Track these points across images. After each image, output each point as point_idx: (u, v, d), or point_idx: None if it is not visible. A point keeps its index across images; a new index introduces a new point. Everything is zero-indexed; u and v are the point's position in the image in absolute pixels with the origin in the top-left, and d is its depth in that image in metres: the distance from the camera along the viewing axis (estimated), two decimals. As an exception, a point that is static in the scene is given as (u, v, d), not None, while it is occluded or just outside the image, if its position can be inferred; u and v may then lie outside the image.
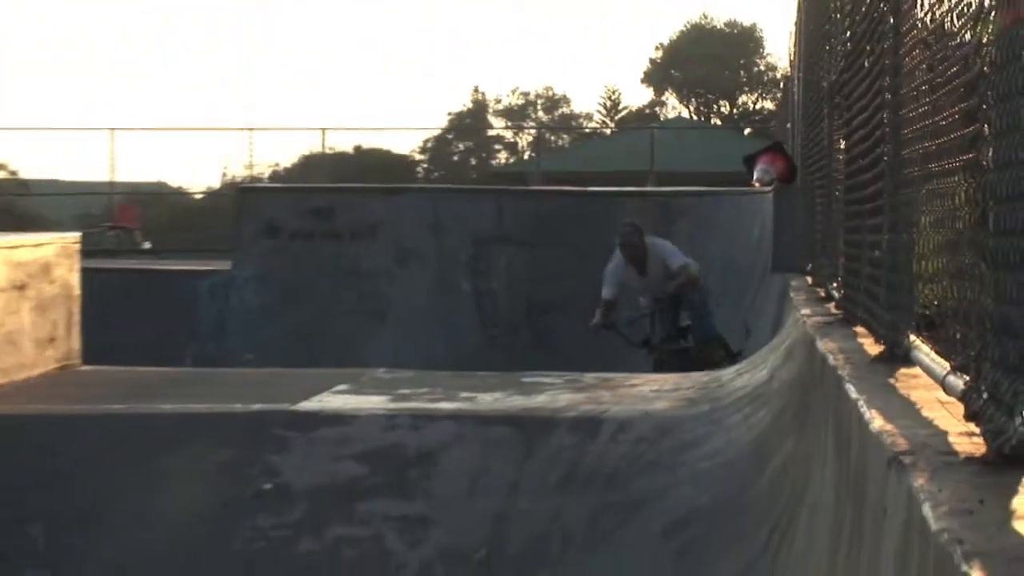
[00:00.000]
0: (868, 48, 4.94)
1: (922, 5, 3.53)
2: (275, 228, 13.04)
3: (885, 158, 4.48)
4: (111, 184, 28.29)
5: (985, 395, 2.57)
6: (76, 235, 8.23)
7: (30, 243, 7.55)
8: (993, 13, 2.38)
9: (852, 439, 3.84)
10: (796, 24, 11.72)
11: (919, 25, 3.71)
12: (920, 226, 4.07)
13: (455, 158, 36.38)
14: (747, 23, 35.06)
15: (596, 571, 6.39)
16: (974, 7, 2.62)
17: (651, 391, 7.23)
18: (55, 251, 7.68)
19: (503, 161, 36.52)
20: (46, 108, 70.21)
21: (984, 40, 2.55)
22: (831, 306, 6.57)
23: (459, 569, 6.49)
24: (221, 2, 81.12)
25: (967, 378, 2.86)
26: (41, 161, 43.53)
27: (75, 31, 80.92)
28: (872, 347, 4.71)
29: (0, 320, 6.98)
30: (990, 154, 2.49)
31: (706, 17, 35.16)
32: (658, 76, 35.62)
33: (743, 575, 5.79)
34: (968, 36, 2.73)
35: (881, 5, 4.42)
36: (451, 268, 13.42)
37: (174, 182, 35.63)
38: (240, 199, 14.30)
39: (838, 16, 6.33)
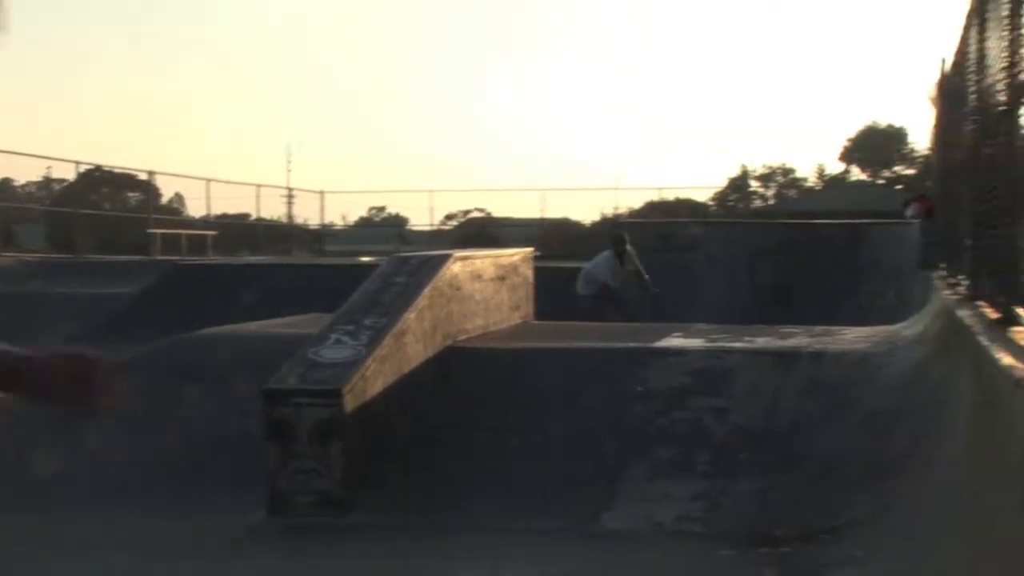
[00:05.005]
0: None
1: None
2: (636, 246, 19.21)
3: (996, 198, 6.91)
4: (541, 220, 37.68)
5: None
6: (531, 249, 13.03)
7: (507, 254, 12.73)
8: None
9: (983, 368, 5.19)
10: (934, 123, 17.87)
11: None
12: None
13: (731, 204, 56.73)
14: (897, 125, 61.58)
15: (825, 441, 8.84)
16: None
17: (853, 337, 10.57)
18: (520, 258, 12.83)
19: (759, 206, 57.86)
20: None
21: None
22: (960, 289, 9.28)
23: (748, 437, 9.01)
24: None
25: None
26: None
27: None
28: (992, 314, 6.40)
29: (491, 296, 12.18)
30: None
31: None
32: (847, 155, 62.92)
33: (911, 446, 7.89)
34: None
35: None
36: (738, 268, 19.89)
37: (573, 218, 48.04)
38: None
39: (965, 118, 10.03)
